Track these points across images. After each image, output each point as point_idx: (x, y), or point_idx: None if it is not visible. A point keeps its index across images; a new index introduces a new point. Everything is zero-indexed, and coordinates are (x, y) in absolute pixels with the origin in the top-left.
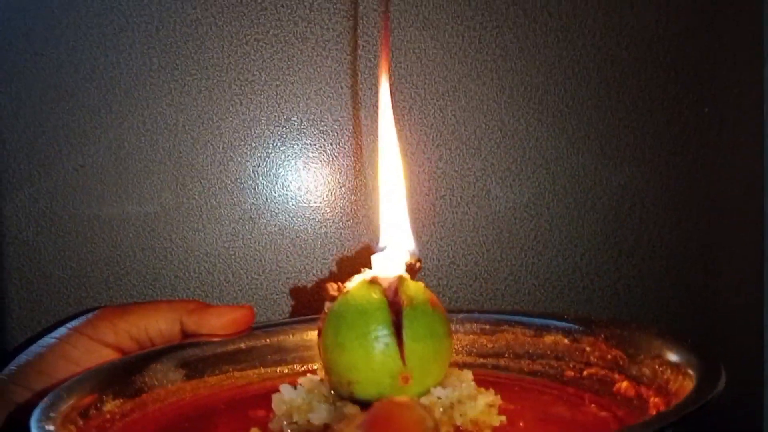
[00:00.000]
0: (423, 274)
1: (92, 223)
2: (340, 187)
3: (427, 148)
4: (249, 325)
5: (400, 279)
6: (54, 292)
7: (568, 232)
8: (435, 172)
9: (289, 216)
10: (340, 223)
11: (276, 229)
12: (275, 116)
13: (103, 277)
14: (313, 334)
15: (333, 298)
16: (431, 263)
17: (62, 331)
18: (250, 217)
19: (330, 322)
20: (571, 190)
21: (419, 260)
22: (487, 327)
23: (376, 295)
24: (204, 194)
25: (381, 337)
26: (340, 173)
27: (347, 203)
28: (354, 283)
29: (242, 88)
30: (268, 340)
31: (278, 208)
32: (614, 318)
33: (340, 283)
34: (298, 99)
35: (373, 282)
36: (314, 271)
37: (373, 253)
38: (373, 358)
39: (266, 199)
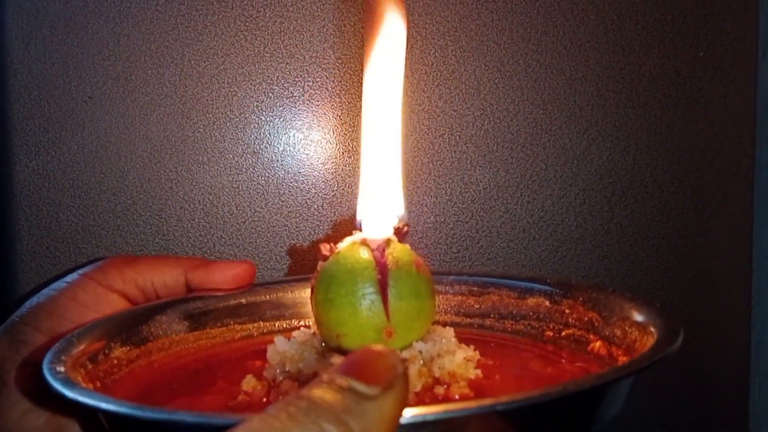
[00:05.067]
0: (422, 213)
1: (100, 153)
2: (342, 124)
3: (427, 87)
4: (250, 280)
5: (388, 241)
6: (63, 220)
7: (563, 172)
8: (434, 111)
9: (291, 149)
10: (342, 157)
11: (278, 162)
12: (279, 52)
13: (110, 207)
14: (308, 292)
15: (325, 258)
16: (433, 196)
17: (73, 276)
18: (254, 150)
19: (322, 280)
20: (568, 131)
21: (407, 225)
22: (475, 289)
23: (364, 255)
24: (209, 127)
25: (367, 295)
26: (342, 109)
27: (349, 139)
28: (345, 244)
29: (247, 24)
30: (267, 296)
31: (280, 142)
32: (592, 283)
33: (332, 244)
34: (302, 36)
35: (363, 244)
36: (315, 205)
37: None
38: (360, 314)
39: (269, 134)
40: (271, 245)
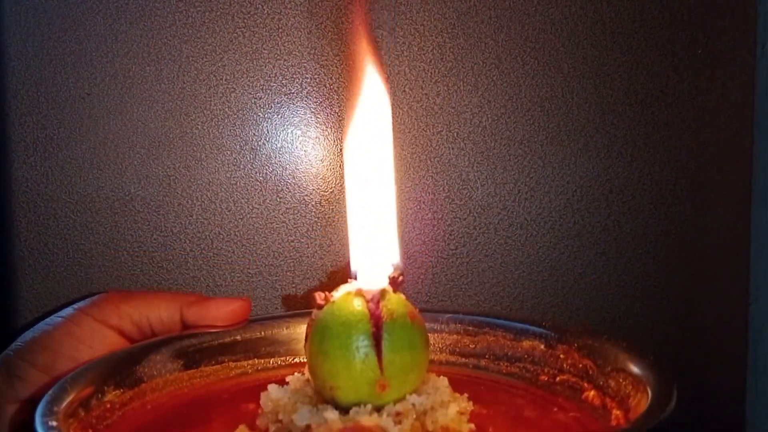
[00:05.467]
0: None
1: (98, 150)
2: (341, 120)
3: (425, 84)
4: (246, 317)
5: (383, 292)
6: (61, 217)
7: (561, 169)
8: (432, 108)
9: (290, 146)
10: (340, 155)
11: (276, 159)
12: (277, 49)
13: (108, 204)
14: (303, 327)
15: (320, 307)
16: (430, 193)
17: (69, 311)
18: (252, 147)
19: (316, 330)
20: (565, 127)
21: (401, 273)
22: (471, 328)
23: (359, 307)
24: (207, 124)
25: (361, 347)
26: (340, 106)
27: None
28: (340, 293)
29: (245, 20)
30: (262, 333)
31: (279, 139)
32: (588, 328)
33: (327, 293)
34: (300, 33)
35: (357, 294)
36: (313, 202)
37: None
38: (354, 366)
39: (267, 131)
40: (269, 242)
